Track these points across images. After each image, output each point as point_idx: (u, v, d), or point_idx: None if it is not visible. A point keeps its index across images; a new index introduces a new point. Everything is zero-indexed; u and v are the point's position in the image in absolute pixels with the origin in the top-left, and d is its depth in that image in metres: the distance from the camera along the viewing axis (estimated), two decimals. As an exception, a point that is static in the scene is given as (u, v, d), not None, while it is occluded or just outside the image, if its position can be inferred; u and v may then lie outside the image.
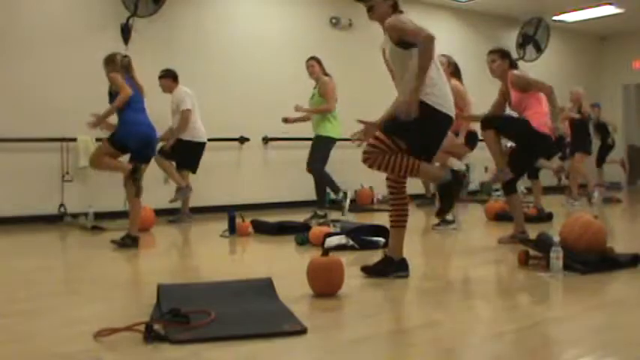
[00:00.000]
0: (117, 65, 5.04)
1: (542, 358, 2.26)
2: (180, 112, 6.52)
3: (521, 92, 4.80)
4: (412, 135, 3.41)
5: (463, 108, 5.66)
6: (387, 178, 3.60)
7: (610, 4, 10.40)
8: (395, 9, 3.52)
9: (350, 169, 8.08)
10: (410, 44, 3.40)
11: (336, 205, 6.64)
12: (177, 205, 6.74)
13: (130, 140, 4.93)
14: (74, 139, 6.81)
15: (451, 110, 3.48)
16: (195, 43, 7.79)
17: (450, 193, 3.51)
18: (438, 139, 3.54)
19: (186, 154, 6.63)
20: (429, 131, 3.46)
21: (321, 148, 6.61)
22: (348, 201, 6.63)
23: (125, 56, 5.15)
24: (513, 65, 4.90)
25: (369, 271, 3.61)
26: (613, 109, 12.35)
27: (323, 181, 6.63)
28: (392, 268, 3.56)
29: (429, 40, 3.30)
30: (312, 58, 6.70)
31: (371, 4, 3.54)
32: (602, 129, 10.19)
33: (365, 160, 3.47)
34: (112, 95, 5.00)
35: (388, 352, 2.31)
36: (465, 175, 3.64)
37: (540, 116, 4.73)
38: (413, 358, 2.30)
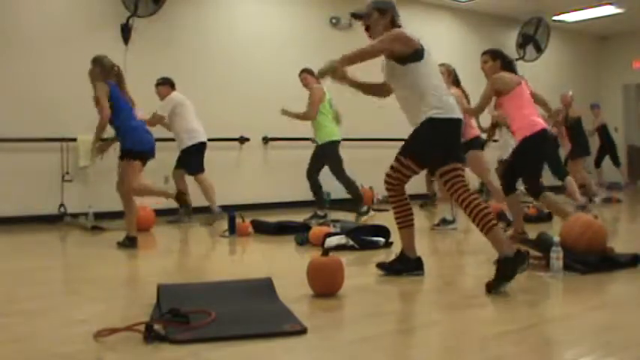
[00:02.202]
0: (105, 70, 4.88)
1: (542, 358, 2.26)
2: (152, 113, 6.51)
3: (498, 95, 4.78)
4: (433, 153, 3.43)
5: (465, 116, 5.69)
6: (387, 181, 3.60)
7: (610, 4, 10.40)
8: (393, 25, 3.49)
9: (350, 169, 8.08)
10: (406, 59, 3.38)
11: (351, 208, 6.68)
12: (177, 204, 6.74)
13: (143, 143, 4.92)
14: (74, 139, 6.81)
15: (456, 112, 3.46)
16: (195, 43, 7.78)
17: (508, 271, 3.16)
18: (456, 144, 3.49)
19: (189, 159, 6.64)
20: (445, 142, 3.43)
21: (319, 155, 6.64)
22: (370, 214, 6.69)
23: (117, 66, 4.98)
24: (506, 66, 4.84)
25: (386, 268, 3.63)
26: (613, 109, 12.37)
27: (316, 186, 6.66)
28: (408, 266, 3.61)
29: (378, 48, 3.38)
30: (304, 70, 6.73)
31: (367, 24, 3.52)
32: (602, 129, 10.22)
33: (454, 192, 3.41)
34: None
35: (388, 352, 2.31)
36: (529, 256, 3.42)
37: (523, 119, 4.68)
38: (413, 358, 2.30)
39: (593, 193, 8.47)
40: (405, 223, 3.62)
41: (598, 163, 10.51)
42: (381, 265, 3.67)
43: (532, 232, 4.70)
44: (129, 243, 4.85)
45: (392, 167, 3.56)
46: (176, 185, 6.65)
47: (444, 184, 3.42)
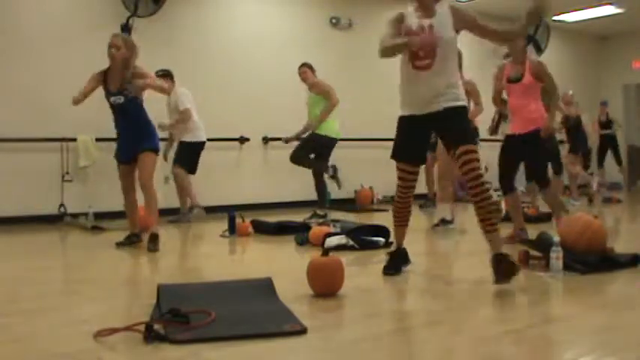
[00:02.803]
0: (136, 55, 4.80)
1: (542, 358, 2.26)
2: (180, 112, 6.53)
3: (535, 80, 4.83)
4: None
5: (476, 102, 5.95)
6: (407, 178, 3.55)
7: (610, 4, 10.40)
8: None
9: (350, 169, 8.09)
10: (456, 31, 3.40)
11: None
12: (177, 204, 6.74)
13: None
14: (74, 139, 6.81)
15: None
16: (195, 43, 7.79)
17: None
18: None
19: (187, 155, 6.63)
20: None
21: (316, 145, 6.62)
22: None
23: None
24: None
25: (393, 268, 3.61)
26: (613, 109, 12.37)
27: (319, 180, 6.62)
28: (404, 260, 3.68)
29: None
30: (304, 64, 6.71)
31: None
32: (607, 127, 10.24)
33: (479, 176, 3.29)
34: (129, 100, 4.73)
35: (388, 352, 2.31)
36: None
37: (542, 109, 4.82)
38: (413, 358, 2.30)
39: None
40: (407, 222, 3.68)
41: (600, 163, 10.53)
42: (388, 269, 3.63)
43: (532, 232, 4.69)
44: (136, 239, 4.91)
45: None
46: (180, 184, 6.61)
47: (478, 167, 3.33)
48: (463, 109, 3.43)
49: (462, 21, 3.37)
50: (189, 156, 6.63)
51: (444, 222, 5.84)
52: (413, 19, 3.43)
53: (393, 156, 3.55)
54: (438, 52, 3.32)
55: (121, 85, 4.75)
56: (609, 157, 10.47)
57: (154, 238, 4.72)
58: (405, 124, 3.53)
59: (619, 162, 10.52)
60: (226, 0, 8.15)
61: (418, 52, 3.32)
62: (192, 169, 6.76)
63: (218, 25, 8.02)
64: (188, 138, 6.64)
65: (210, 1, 7.99)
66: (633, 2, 10.20)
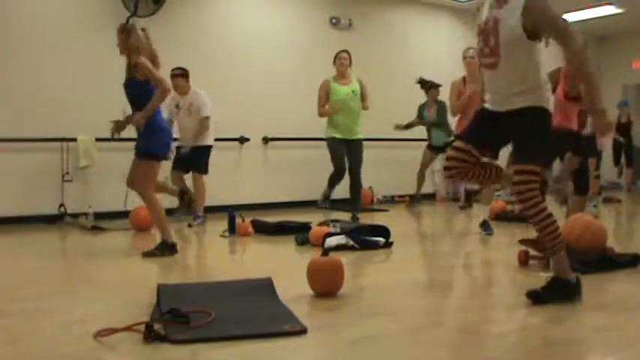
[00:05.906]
0: (142, 44, 4.30)
1: (542, 358, 2.26)
2: (201, 119, 6.39)
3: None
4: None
5: None
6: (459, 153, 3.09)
7: (610, 4, 10.40)
8: None
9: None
10: (536, 36, 2.91)
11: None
12: (176, 203, 6.74)
13: (164, 149, 4.53)
14: (74, 139, 6.80)
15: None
16: (195, 44, 7.78)
17: None
18: None
19: (206, 159, 6.57)
20: None
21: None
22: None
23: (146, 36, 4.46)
24: None
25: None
26: (613, 109, 12.38)
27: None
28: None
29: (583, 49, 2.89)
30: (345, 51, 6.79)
31: None
32: (624, 129, 10.29)
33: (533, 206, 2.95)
34: (133, 85, 4.33)
35: (388, 352, 2.31)
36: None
37: None
38: (413, 358, 2.30)
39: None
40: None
41: (617, 162, 10.60)
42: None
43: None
44: (168, 251, 4.49)
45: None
46: (204, 189, 6.49)
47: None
48: (538, 113, 2.93)
49: (530, 12, 2.84)
50: (206, 159, 6.58)
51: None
52: (486, 8, 2.96)
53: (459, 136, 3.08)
54: (502, 51, 2.89)
55: (128, 73, 4.43)
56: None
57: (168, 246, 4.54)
58: (481, 112, 3.12)
59: (629, 163, 10.57)
60: (226, 1, 8.15)
61: (483, 49, 2.94)
62: (207, 170, 6.68)
63: (218, 25, 8.01)
64: (208, 142, 6.58)
65: (210, 1, 7.99)
66: (633, 2, 10.20)
